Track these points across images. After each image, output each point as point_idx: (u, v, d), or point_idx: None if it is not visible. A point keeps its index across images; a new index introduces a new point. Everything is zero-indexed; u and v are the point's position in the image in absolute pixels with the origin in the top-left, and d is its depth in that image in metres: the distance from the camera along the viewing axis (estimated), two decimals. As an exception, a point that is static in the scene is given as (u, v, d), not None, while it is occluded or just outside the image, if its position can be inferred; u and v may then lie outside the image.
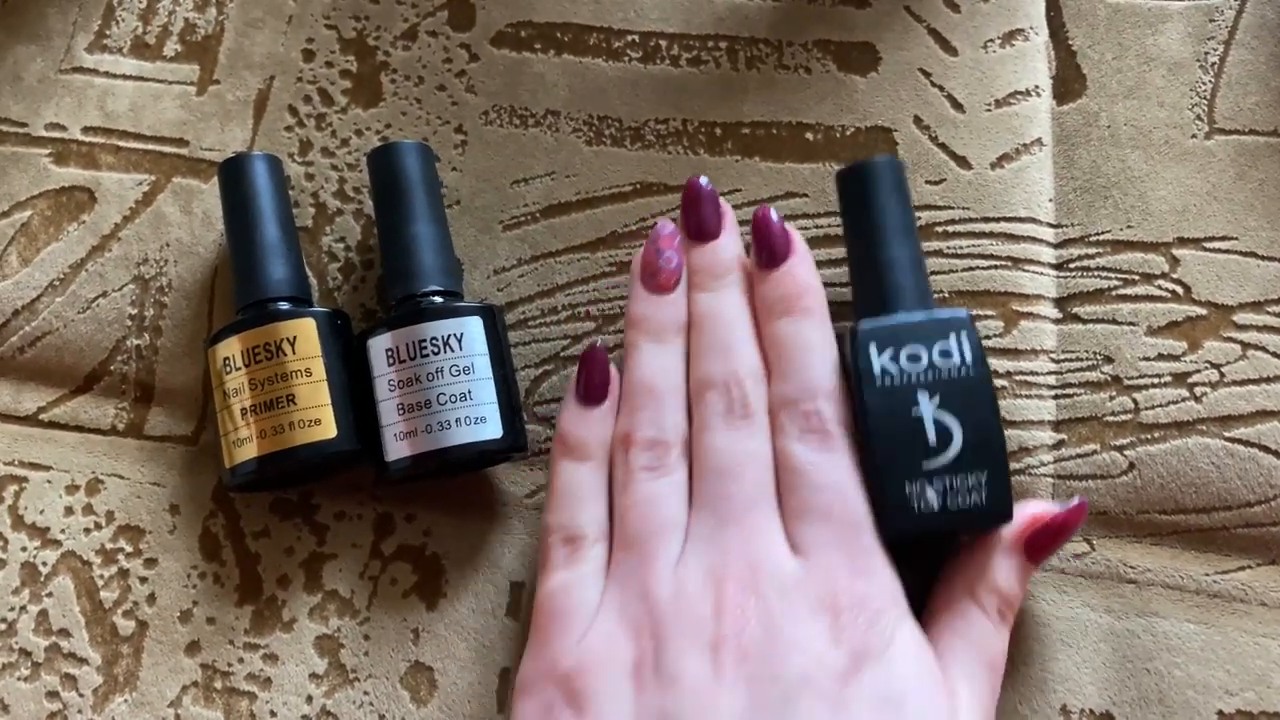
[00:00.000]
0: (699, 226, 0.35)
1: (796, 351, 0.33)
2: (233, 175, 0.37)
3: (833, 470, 0.31)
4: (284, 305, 0.35)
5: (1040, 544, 0.31)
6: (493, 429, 0.33)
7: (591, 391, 0.34)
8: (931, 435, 0.31)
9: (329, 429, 0.34)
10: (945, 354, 0.32)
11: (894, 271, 0.33)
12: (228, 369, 0.34)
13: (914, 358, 0.32)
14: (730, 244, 0.35)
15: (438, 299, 0.35)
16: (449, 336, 0.34)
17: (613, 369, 0.34)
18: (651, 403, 0.33)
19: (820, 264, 0.37)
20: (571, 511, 0.33)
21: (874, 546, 0.31)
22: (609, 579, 0.32)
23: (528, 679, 0.31)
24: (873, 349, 0.32)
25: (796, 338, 0.33)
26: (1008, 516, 0.31)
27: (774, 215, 0.34)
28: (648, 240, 0.35)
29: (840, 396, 0.32)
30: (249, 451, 0.33)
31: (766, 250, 0.34)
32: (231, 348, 0.34)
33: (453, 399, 0.33)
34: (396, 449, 0.33)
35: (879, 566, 0.30)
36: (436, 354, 0.33)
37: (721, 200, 0.35)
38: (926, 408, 0.31)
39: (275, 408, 0.33)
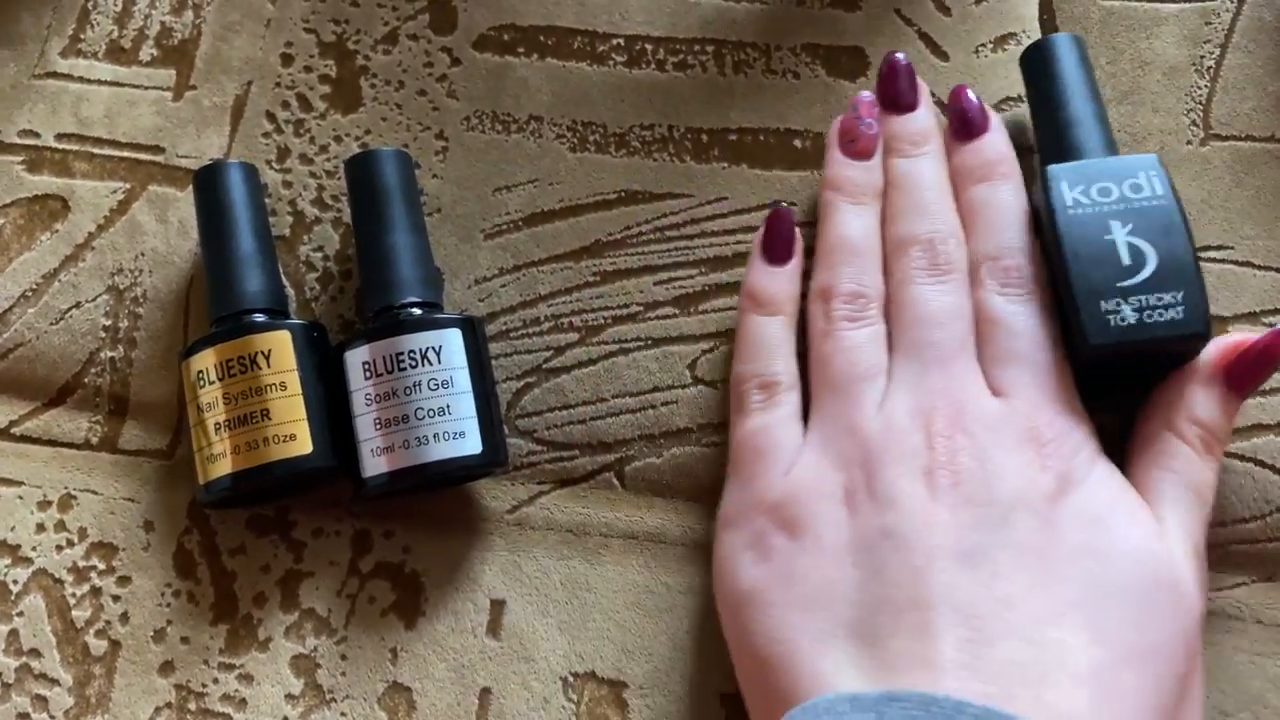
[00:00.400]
0: (896, 99, 0.37)
1: (995, 212, 0.34)
2: (208, 184, 0.36)
3: (1030, 319, 0.32)
4: (259, 317, 0.34)
5: (1242, 371, 0.32)
6: (472, 444, 0.33)
7: (779, 249, 0.35)
8: (1125, 257, 0.32)
9: (304, 444, 0.33)
10: (1136, 188, 0.33)
11: (1079, 127, 0.35)
12: (201, 383, 0.33)
13: (1104, 191, 0.33)
14: (926, 115, 0.37)
15: (416, 310, 0.34)
16: (427, 349, 0.33)
17: (797, 231, 0.36)
18: (853, 259, 0.34)
19: (810, 274, 0.37)
20: (766, 360, 0.34)
21: (1070, 389, 0.32)
22: (813, 419, 0.33)
23: (732, 513, 0.33)
24: (1063, 185, 0.33)
25: (994, 199, 0.34)
26: (1205, 335, 0.31)
27: (970, 92, 0.36)
28: (848, 109, 0.37)
29: (1036, 257, 0.33)
30: (223, 468, 0.33)
31: (964, 122, 0.36)
32: (205, 361, 0.33)
33: (431, 413, 0.32)
34: (374, 465, 0.33)
35: (1076, 406, 0.32)
36: (415, 367, 0.33)
37: (918, 75, 0.37)
38: (1119, 233, 0.32)
39: (250, 423, 0.33)
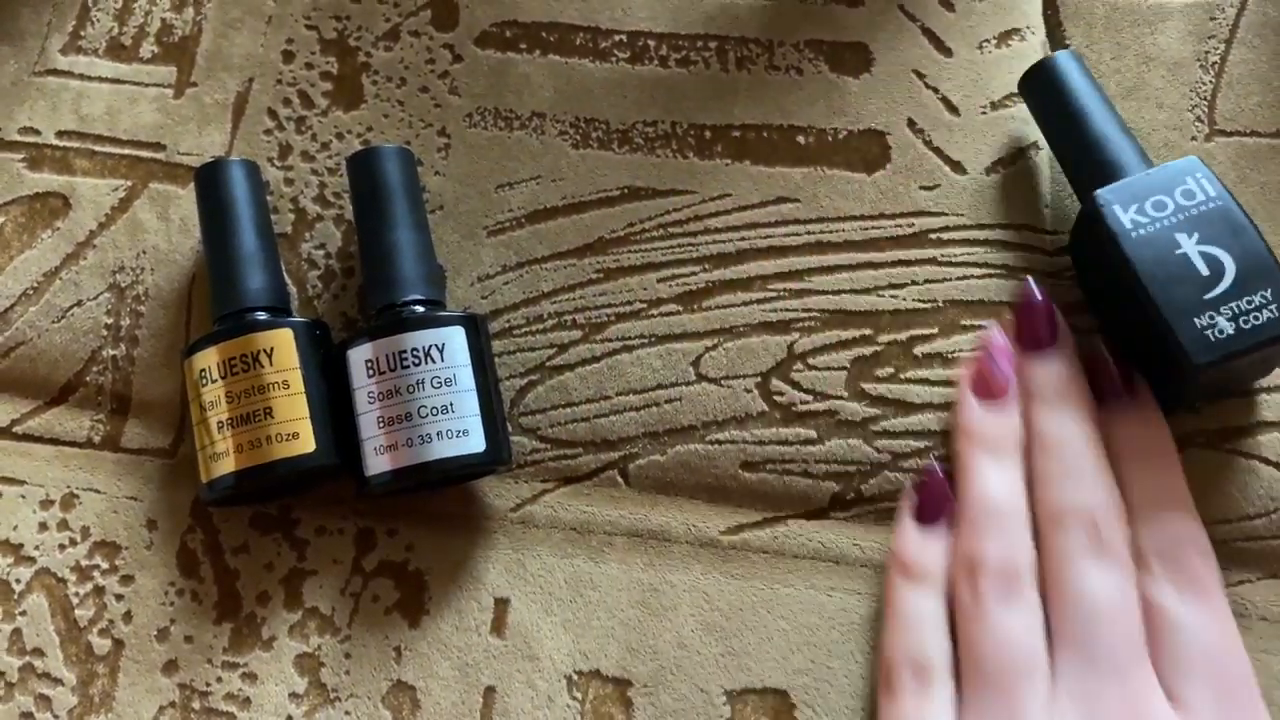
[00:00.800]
0: (1036, 338, 0.34)
1: (1166, 495, 0.32)
2: (209, 182, 0.36)
3: (1213, 626, 0.30)
4: (261, 315, 0.34)
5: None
6: (475, 442, 0.33)
7: (931, 509, 0.33)
8: (1203, 268, 0.31)
9: (307, 443, 0.33)
10: (1188, 195, 0.32)
11: (1110, 143, 0.34)
12: (204, 381, 0.33)
13: (1159, 205, 0.32)
14: (1071, 358, 0.34)
15: (419, 308, 0.34)
16: (430, 347, 0.33)
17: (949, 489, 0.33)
18: (999, 524, 0.32)
19: (816, 270, 0.37)
20: (920, 639, 0.31)
21: (1255, 699, 0.30)
22: (966, 712, 0.30)
23: None
24: (1117, 209, 0.32)
25: (1164, 482, 0.32)
26: None
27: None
28: (979, 348, 0.34)
29: (1206, 547, 0.31)
30: (226, 466, 0.33)
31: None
32: (208, 359, 0.33)
33: (434, 411, 0.32)
34: (377, 463, 0.33)
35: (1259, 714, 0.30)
36: (418, 365, 0.33)
37: (1057, 312, 0.34)
38: (1189, 245, 0.32)
39: (252, 421, 0.33)
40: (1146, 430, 0.33)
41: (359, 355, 0.33)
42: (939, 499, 0.33)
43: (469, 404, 0.33)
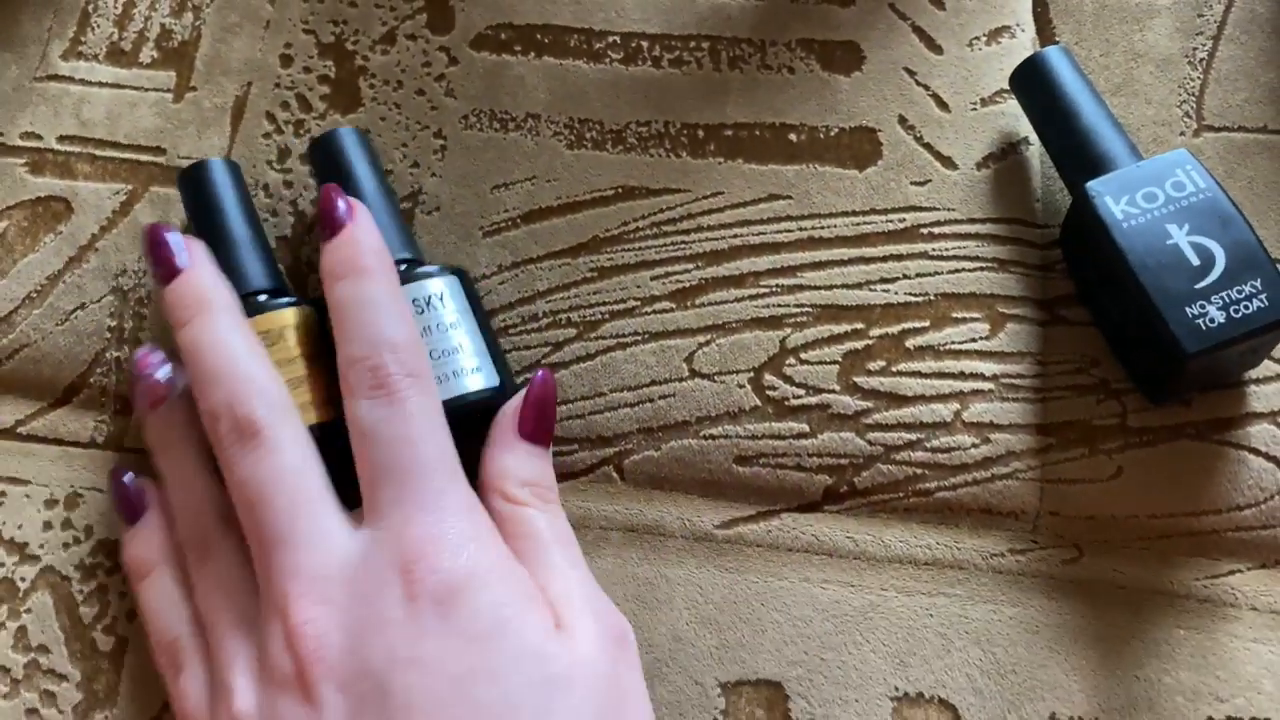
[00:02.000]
0: (161, 266, 0.33)
1: (356, 310, 0.31)
2: (193, 184, 0.36)
3: (401, 422, 0.30)
4: (262, 298, 0.35)
5: (533, 425, 0.33)
6: (489, 378, 0.33)
7: (128, 511, 0.34)
8: (1193, 258, 0.32)
9: (326, 411, 0.33)
10: (1178, 186, 0.33)
11: (1101, 136, 0.34)
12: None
13: (1150, 197, 0.33)
14: (202, 274, 0.33)
15: (402, 266, 0.35)
16: (430, 298, 0.33)
17: (145, 483, 0.34)
18: (179, 503, 0.33)
19: (808, 266, 0.37)
20: (158, 626, 0.32)
21: (445, 485, 0.30)
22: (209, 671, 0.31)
23: None
24: (1108, 201, 0.33)
25: (356, 295, 0.32)
26: None
27: (333, 191, 0.33)
28: (134, 369, 0.34)
29: (412, 347, 0.31)
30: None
31: (326, 224, 0.33)
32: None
33: (445, 354, 0.33)
34: None
35: (450, 502, 0.30)
36: (421, 314, 0.33)
37: (184, 237, 0.33)
38: (1179, 235, 0.32)
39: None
40: (340, 251, 0.32)
41: None
42: (130, 500, 0.34)
43: (476, 344, 0.34)
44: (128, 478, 0.34)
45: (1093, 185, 0.33)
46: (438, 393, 0.31)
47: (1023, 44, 0.39)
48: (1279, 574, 0.34)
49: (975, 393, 0.35)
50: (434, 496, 0.29)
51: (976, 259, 0.37)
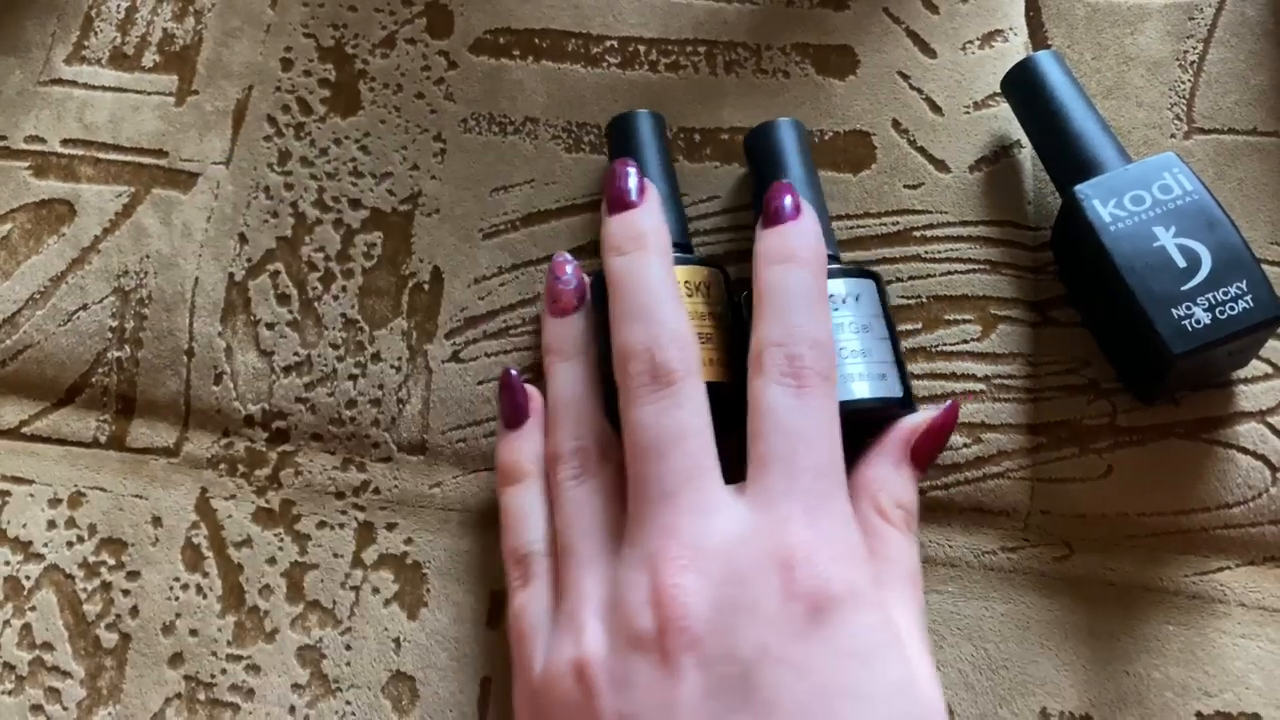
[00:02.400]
0: (618, 198, 0.34)
1: (785, 296, 0.32)
2: (619, 133, 0.37)
3: (806, 415, 0.30)
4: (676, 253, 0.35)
5: (928, 450, 0.32)
6: (892, 387, 0.33)
7: (512, 415, 0.35)
8: (1180, 260, 0.32)
9: (724, 372, 0.33)
10: (1165, 189, 0.33)
11: (1090, 140, 0.35)
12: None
13: (1137, 200, 0.33)
14: (645, 214, 0.34)
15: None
16: (845, 297, 0.33)
17: (532, 390, 0.35)
18: (565, 416, 0.33)
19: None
20: (516, 533, 0.33)
21: (834, 493, 0.29)
22: (559, 593, 0.31)
23: (515, 707, 0.31)
24: (1096, 204, 0.33)
25: (786, 282, 0.32)
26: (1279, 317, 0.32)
27: (784, 188, 0.34)
28: (548, 271, 0.36)
29: (829, 349, 0.31)
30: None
31: (771, 210, 0.33)
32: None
33: (853, 355, 0.33)
34: None
35: (838, 511, 0.29)
36: (834, 310, 0.33)
37: (645, 179, 0.35)
38: (1166, 238, 0.33)
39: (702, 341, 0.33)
40: (782, 239, 0.33)
41: None
42: (517, 403, 0.35)
43: (884, 351, 0.33)
44: (518, 375, 0.35)
45: (1081, 188, 0.34)
46: (837, 404, 0.31)
47: (1015, 48, 0.40)
48: (1267, 570, 0.34)
49: (967, 393, 0.36)
50: (824, 500, 0.29)
51: (969, 261, 0.37)
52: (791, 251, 0.32)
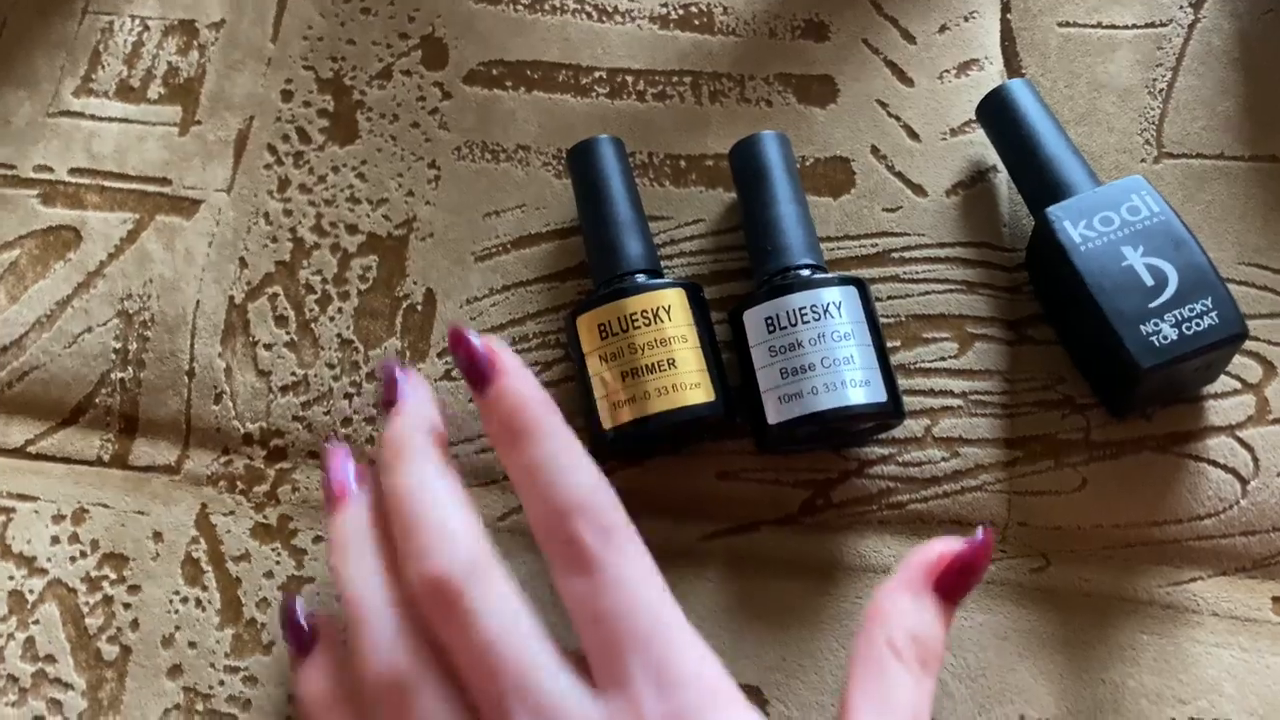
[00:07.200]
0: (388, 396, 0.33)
1: (528, 478, 0.29)
2: (580, 162, 0.38)
3: (605, 598, 0.28)
4: (641, 278, 0.36)
5: (952, 582, 0.29)
6: (876, 393, 0.34)
7: (300, 645, 0.32)
8: (1147, 278, 0.33)
9: (709, 392, 0.34)
10: (1133, 210, 0.34)
11: (1061, 164, 0.36)
12: (606, 334, 0.35)
13: (1106, 220, 0.34)
14: (408, 411, 0.32)
15: (805, 272, 0.36)
16: (827, 305, 0.34)
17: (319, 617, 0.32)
18: (366, 630, 0.29)
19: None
20: None
21: (681, 642, 0.27)
22: None
23: None
24: (1067, 225, 0.34)
25: (522, 463, 0.29)
26: (1243, 334, 0.33)
27: (468, 334, 0.31)
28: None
29: (597, 498, 0.29)
30: (631, 412, 0.34)
31: (471, 374, 0.31)
32: (617, 311, 0.35)
33: (836, 363, 0.33)
34: (783, 410, 0.34)
35: (692, 664, 0.27)
36: (817, 320, 0.34)
37: (402, 371, 0.33)
38: (1134, 257, 0.34)
39: (658, 370, 0.34)
40: (502, 412, 0.30)
41: (756, 315, 0.35)
42: (303, 628, 0.32)
43: (868, 357, 0.34)
44: (298, 606, 0.32)
45: (1052, 210, 0.35)
46: (638, 540, 0.29)
47: (991, 76, 0.41)
48: (1238, 580, 0.35)
49: (945, 409, 0.37)
50: (671, 661, 0.27)
51: (946, 281, 0.38)
52: (507, 426, 0.30)
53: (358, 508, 0.32)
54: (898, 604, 0.29)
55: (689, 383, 0.34)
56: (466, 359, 0.31)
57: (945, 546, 0.30)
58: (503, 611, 0.28)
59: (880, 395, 0.33)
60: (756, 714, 0.27)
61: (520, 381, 0.31)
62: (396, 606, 0.29)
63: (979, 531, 0.29)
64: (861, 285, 0.35)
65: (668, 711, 0.26)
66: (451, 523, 0.29)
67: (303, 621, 0.32)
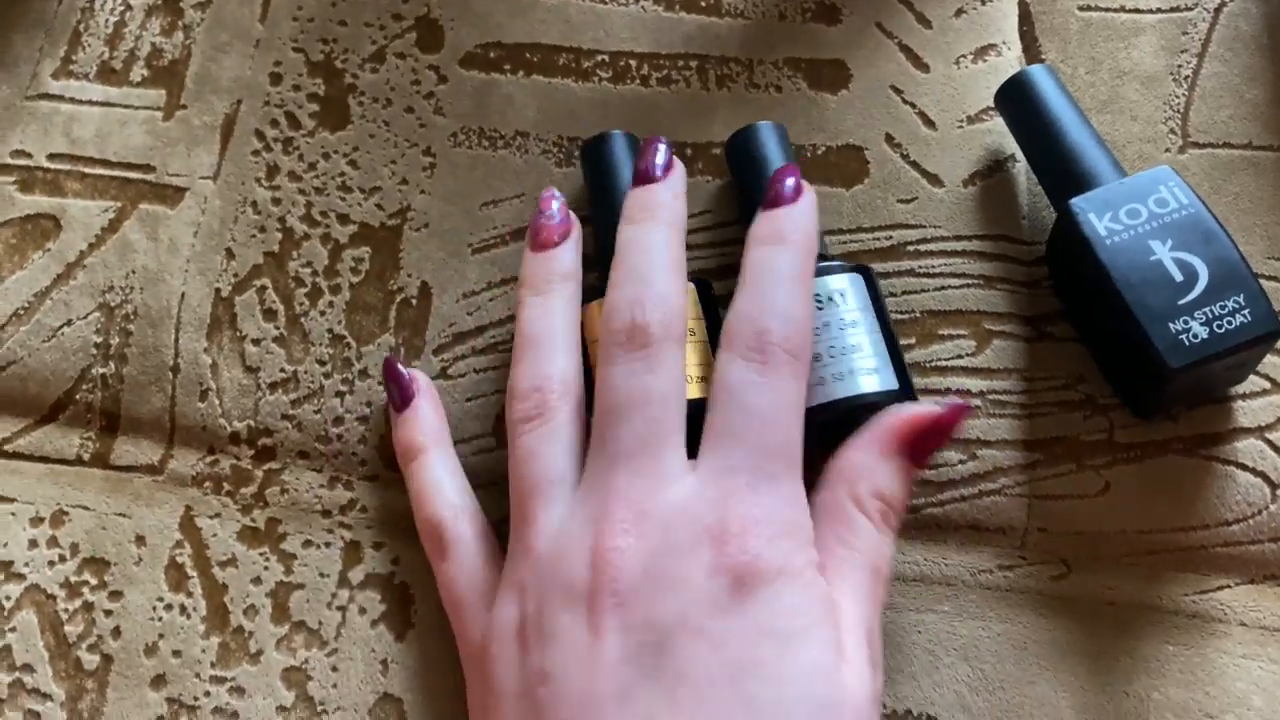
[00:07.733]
0: (643, 173, 0.34)
1: (763, 274, 0.31)
2: (593, 157, 0.37)
3: (767, 394, 0.30)
4: None
5: (920, 444, 0.30)
6: (888, 380, 0.32)
7: (399, 400, 0.36)
8: (1176, 274, 0.32)
9: (696, 388, 0.33)
10: (1161, 203, 0.33)
11: (1085, 153, 0.35)
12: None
13: (1133, 213, 0.33)
14: (667, 187, 0.34)
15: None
16: (831, 294, 0.33)
17: (414, 373, 0.36)
18: (528, 353, 0.33)
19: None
20: (423, 506, 0.34)
21: (783, 473, 0.29)
22: (484, 557, 0.32)
23: (462, 659, 0.32)
24: (1092, 217, 0.33)
25: (770, 261, 0.32)
26: (1277, 332, 0.31)
27: (789, 172, 0.34)
28: (536, 206, 0.36)
29: (803, 330, 0.31)
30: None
31: (771, 194, 0.33)
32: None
33: (843, 351, 0.33)
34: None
35: (784, 492, 0.29)
36: (821, 310, 0.33)
37: (674, 157, 0.35)
38: (1162, 252, 0.32)
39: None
40: (773, 222, 0.33)
41: None
42: (402, 387, 0.36)
43: (877, 345, 0.33)
44: (395, 360, 0.36)
45: (1076, 202, 0.33)
46: (805, 385, 0.31)
47: (1009, 62, 0.40)
48: (1267, 589, 0.34)
49: (967, 404, 0.35)
50: (772, 479, 0.29)
51: (963, 276, 0.37)
52: (780, 234, 0.32)
53: (560, 253, 0.34)
54: (862, 460, 0.30)
55: (696, 376, 0.33)
56: (780, 180, 0.33)
57: (914, 409, 0.31)
58: (672, 375, 0.30)
59: (891, 383, 0.32)
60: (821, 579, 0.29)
61: (811, 212, 0.33)
62: (557, 340, 0.32)
63: (951, 398, 0.31)
64: (867, 272, 0.34)
65: (743, 516, 0.28)
66: (671, 291, 0.32)
67: (404, 373, 0.36)
